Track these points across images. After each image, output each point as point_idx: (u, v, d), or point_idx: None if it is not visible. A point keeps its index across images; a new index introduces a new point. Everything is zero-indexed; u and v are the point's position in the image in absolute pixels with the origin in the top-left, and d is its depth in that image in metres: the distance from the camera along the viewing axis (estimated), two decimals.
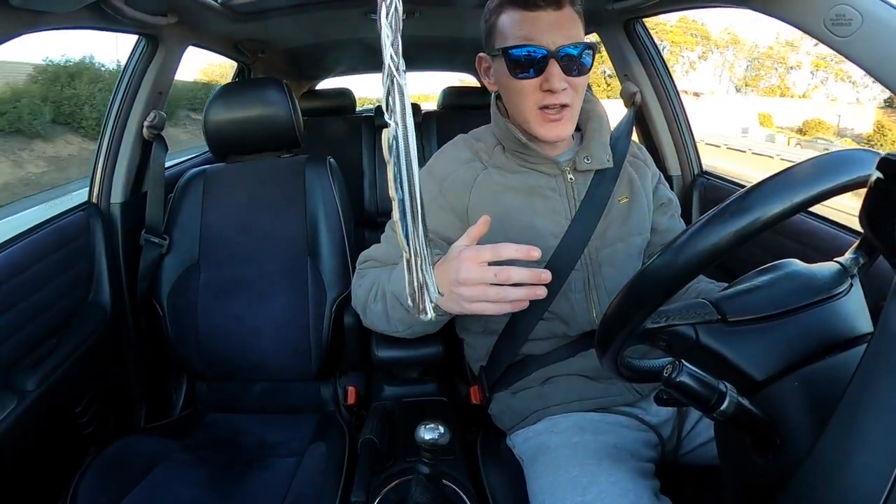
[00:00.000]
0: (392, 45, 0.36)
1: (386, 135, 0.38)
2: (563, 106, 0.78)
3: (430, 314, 0.45)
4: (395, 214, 0.40)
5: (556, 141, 0.82)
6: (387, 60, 0.36)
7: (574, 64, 0.76)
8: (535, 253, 0.61)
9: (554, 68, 0.75)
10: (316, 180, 1.24)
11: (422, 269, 0.42)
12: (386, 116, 0.37)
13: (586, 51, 0.77)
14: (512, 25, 0.77)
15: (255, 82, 1.67)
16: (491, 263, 0.62)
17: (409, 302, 0.45)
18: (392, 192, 0.39)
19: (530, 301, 0.83)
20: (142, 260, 1.20)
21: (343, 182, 1.28)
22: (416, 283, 0.43)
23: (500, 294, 0.61)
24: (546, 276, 0.62)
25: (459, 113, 2.41)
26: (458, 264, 0.62)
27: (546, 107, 0.78)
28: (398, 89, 0.37)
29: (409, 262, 0.42)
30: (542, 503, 0.72)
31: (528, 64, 0.76)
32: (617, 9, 1.26)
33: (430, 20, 1.60)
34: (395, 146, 0.38)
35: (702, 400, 0.46)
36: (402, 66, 0.37)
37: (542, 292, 0.62)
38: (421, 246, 0.41)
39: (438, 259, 0.69)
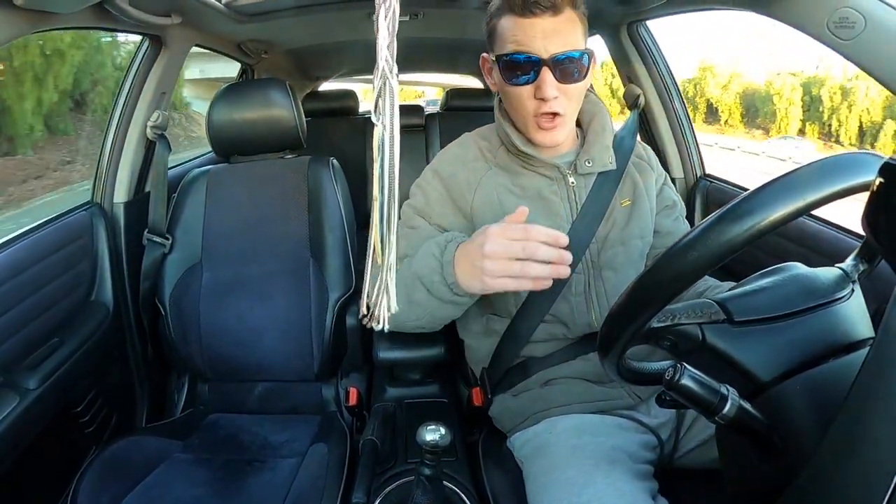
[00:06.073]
0: (388, 47, 0.35)
1: (377, 133, 0.37)
2: (556, 114, 0.78)
3: (386, 325, 0.42)
4: (374, 216, 0.38)
5: (552, 146, 0.82)
6: (381, 63, 0.36)
7: (568, 71, 0.76)
8: (563, 240, 0.61)
9: (546, 76, 0.75)
10: (319, 181, 1.24)
11: (387, 277, 0.41)
12: (373, 118, 0.36)
13: (580, 58, 0.76)
14: (508, 31, 0.77)
15: (259, 83, 1.68)
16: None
17: (364, 309, 0.43)
18: (375, 192, 0.38)
19: (532, 303, 0.83)
20: (144, 259, 1.21)
21: (346, 183, 1.28)
22: (377, 288, 0.41)
23: (524, 269, 0.61)
24: (568, 257, 0.61)
25: (463, 114, 2.41)
26: (483, 239, 0.63)
27: (541, 114, 0.78)
28: (389, 92, 0.37)
29: (377, 266, 0.40)
30: None
31: (522, 71, 0.76)
32: (620, 11, 1.26)
33: (433, 22, 1.60)
34: (382, 148, 0.37)
35: (703, 403, 0.46)
36: (396, 69, 0.36)
37: (565, 272, 0.61)
38: (391, 252, 0.40)
39: (463, 240, 0.70)
